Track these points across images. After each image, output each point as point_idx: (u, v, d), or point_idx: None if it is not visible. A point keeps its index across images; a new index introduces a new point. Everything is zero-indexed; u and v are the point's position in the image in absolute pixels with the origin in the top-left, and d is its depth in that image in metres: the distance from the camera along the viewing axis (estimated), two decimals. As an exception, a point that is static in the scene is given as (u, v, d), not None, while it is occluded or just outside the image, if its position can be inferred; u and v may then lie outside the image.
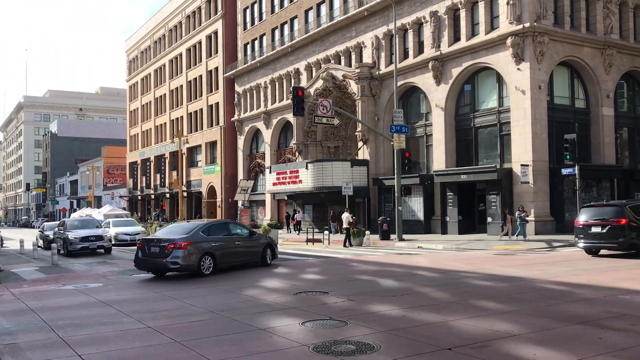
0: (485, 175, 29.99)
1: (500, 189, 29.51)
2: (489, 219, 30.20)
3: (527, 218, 26.72)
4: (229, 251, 17.41)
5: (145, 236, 35.29)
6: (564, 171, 27.32)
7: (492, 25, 31.23)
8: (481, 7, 31.43)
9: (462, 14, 32.51)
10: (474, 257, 20.57)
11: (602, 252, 19.94)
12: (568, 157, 26.43)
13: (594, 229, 19.17)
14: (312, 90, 42.12)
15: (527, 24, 28.64)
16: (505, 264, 17.45)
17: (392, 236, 30.18)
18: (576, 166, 26.16)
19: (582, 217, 19.86)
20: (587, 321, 8.92)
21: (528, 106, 28.79)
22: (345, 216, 29.07)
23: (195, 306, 11.31)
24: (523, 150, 28.97)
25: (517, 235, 26.12)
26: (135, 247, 17.74)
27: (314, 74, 44.29)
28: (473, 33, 32.18)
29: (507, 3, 29.47)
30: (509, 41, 29.26)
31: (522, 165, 28.54)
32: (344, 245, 28.08)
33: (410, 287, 13.04)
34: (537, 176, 28.71)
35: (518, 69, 29.22)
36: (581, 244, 19.77)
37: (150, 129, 75.23)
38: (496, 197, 29.81)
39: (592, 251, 19.99)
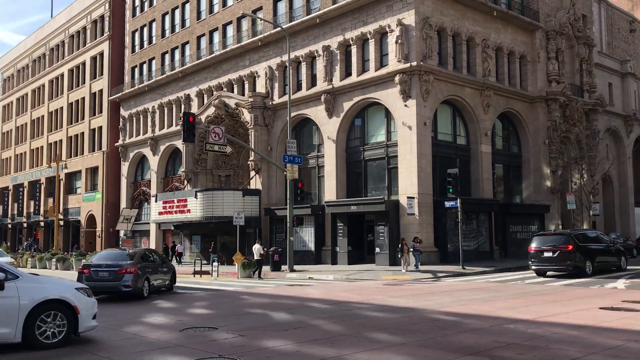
0: (374, 206, 30.64)
1: (388, 220, 30.23)
2: (377, 250, 30.77)
3: (420, 249, 27.37)
4: (157, 276, 19.88)
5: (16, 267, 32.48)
6: (447, 204, 28.53)
7: (381, 62, 32.36)
8: (371, 45, 32.52)
9: (354, 50, 33.46)
10: (365, 287, 20.69)
11: (549, 273, 23.25)
12: (451, 190, 27.63)
13: (546, 254, 22.55)
14: (203, 117, 41.27)
15: (414, 63, 29.95)
16: (395, 295, 17.65)
17: (283, 267, 29.83)
18: (458, 199, 27.40)
19: (534, 244, 23.16)
20: (478, 352, 9.03)
21: (414, 141, 29.91)
22: (257, 248, 28.52)
23: (69, 346, 10.22)
24: (409, 183, 29.96)
25: (415, 266, 26.62)
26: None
27: (205, 101, 43.51)
28: (364, 69, 33.16)
29: (396, 42, 30.71)
30: (397, 78, 30.40)
31: (408, 197, 29.47)
32: (253, 277, 27.45)
33: (304, 320, 12.71)
34: (422, 208, 29.75)
35: (405, 105, 30.37)
36: (534, 266, 23.07)
37: (25, 152, 70.04)
38: (384, 228, 30.48)
39: (542, 273, 23.15)
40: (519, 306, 14.42)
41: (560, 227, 37.55)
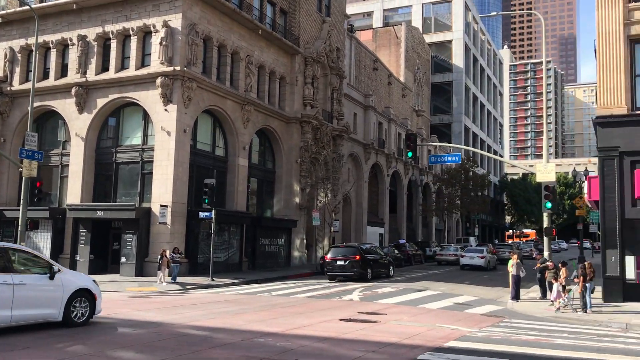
0: (124, 213, 28.86)
1: (138, 229, 28.69)
2: (123, 259, 28.95)
3: (179, 260, 26.32)
4: None
5: None
6: (202, 214, 28.17)
7: (143, 62, 30.84)
8: (133, 42, 30.80)
9: (113, 44, 31.31)
10: (108, 300, 19.04)
11: (339, 278, 28.09)
12: (207, 201, 27.39)
13: (339, 262, 27.88)
14: None
15: (178, 68, 29.15)
16: (142, 308, 16.61)
17: (10, 276, 26.14)
18: (213, 210, 27.26)
19: (330, 254, 28.79)
20: (231, 368, 8.79)
21: (172, 148, 29.02)
22: None
23: None
24: (164, 191, 28.89)
25: (172, 278, 25.41)
26: None
27: None
28: (123, 66, 31.22)
29: (160, 43, 29.55)
30: (158, 81, 29.22)
31: (161, 205, 28.37)
32: None
33: (33, 338, 11.06)
34: (176, 217, 28.91)
35: (165, 110, 29.33)
36: (329, 272, 28.25)
37: None
38: (133, 236, 28.85)
39: (333, 278, 28.16)
40: (267, 319, 14.65)
41: (305, 241, 39.94)
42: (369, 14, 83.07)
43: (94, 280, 13.32)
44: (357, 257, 27.86)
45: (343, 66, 45.99)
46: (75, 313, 12.34)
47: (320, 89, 42.53)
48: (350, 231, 48.76)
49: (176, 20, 29.69)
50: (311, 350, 10.48)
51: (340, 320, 14.58)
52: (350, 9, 73.30)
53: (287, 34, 39.20)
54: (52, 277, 11.90)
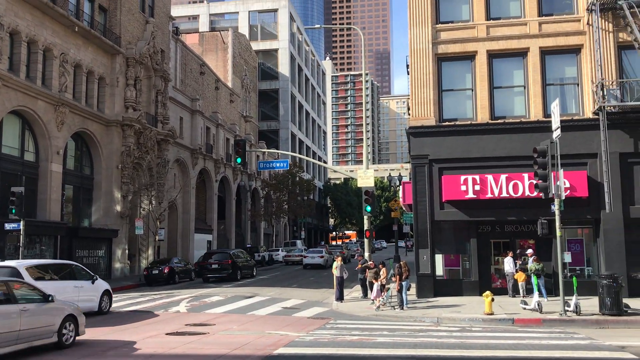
0: None
1: None
2: None
3: None
4: None
5: None
6: (8, 226, 25.38)
7: None
8: None
9: None
10: None
11: (212, 280, 32.61)
12: (14, 211, 24.79)
13: (213, 266, 32.99)
14: None
15: (-21, 63, 26.06)
16: None
17: None
18: (22, 221, 24.70)
19: (204, 260, 33.87)
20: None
21: (-29, 152, 25.82)
22: None
23: None
24: (-39, 201, 25.57)
25: None
26: None
27: None
28: None
29: (-44, 34, 26.19)
30: (-46, 76, 25.86)
31: (-42, 217, 25.07)
32: None
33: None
34: (-24, 231, 25.73)
35: (-37, 109, 26.01)
36: (204, 275, 32.84)
37: None
38: None
39: (207, 280, 32.75)
40: (87, 337, 13.57)
41: (127, 251, 37.89)
42: (195, 17, 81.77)
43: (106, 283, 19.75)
44: (229, 261, 32.94)
45: (168, 69, 44.65)
46: (103, 305, 18.63)
47: (143, 91, 40.81)
48: (176, 239, 47.36)
49: (-25, 10, 26.51)
50: (136, 370, 9.90)
51: (167, 334, 14.02)
52: (176, 11, 71.56)
53: (107, 32, 37.01)
54: (93, 283, 18.28)
